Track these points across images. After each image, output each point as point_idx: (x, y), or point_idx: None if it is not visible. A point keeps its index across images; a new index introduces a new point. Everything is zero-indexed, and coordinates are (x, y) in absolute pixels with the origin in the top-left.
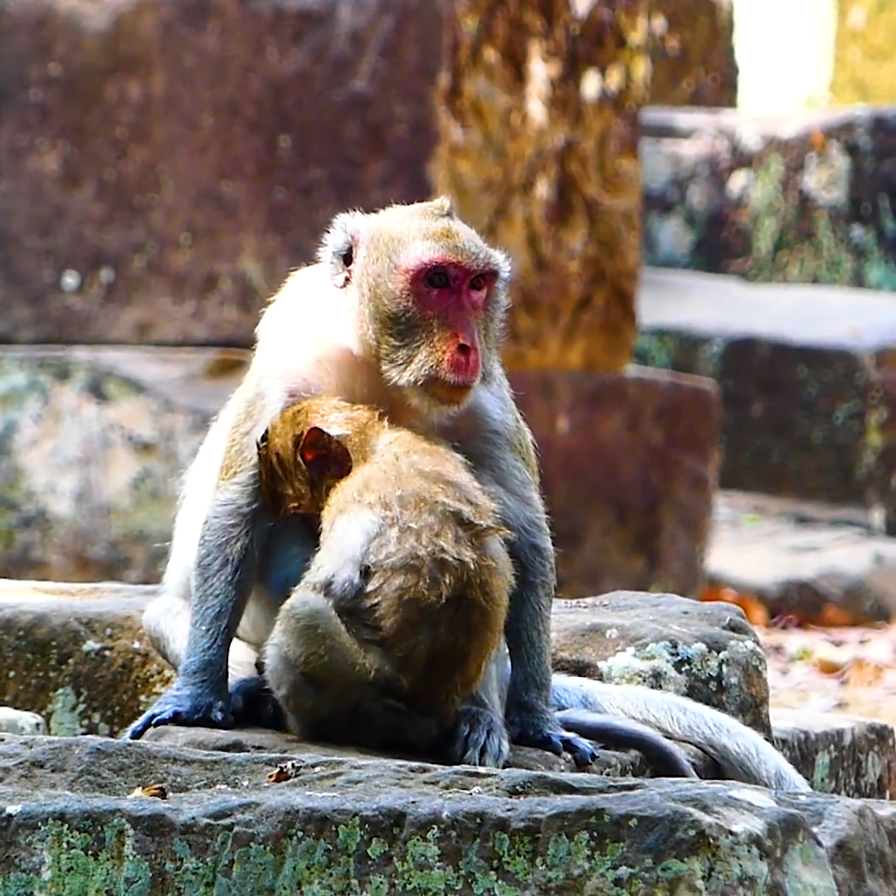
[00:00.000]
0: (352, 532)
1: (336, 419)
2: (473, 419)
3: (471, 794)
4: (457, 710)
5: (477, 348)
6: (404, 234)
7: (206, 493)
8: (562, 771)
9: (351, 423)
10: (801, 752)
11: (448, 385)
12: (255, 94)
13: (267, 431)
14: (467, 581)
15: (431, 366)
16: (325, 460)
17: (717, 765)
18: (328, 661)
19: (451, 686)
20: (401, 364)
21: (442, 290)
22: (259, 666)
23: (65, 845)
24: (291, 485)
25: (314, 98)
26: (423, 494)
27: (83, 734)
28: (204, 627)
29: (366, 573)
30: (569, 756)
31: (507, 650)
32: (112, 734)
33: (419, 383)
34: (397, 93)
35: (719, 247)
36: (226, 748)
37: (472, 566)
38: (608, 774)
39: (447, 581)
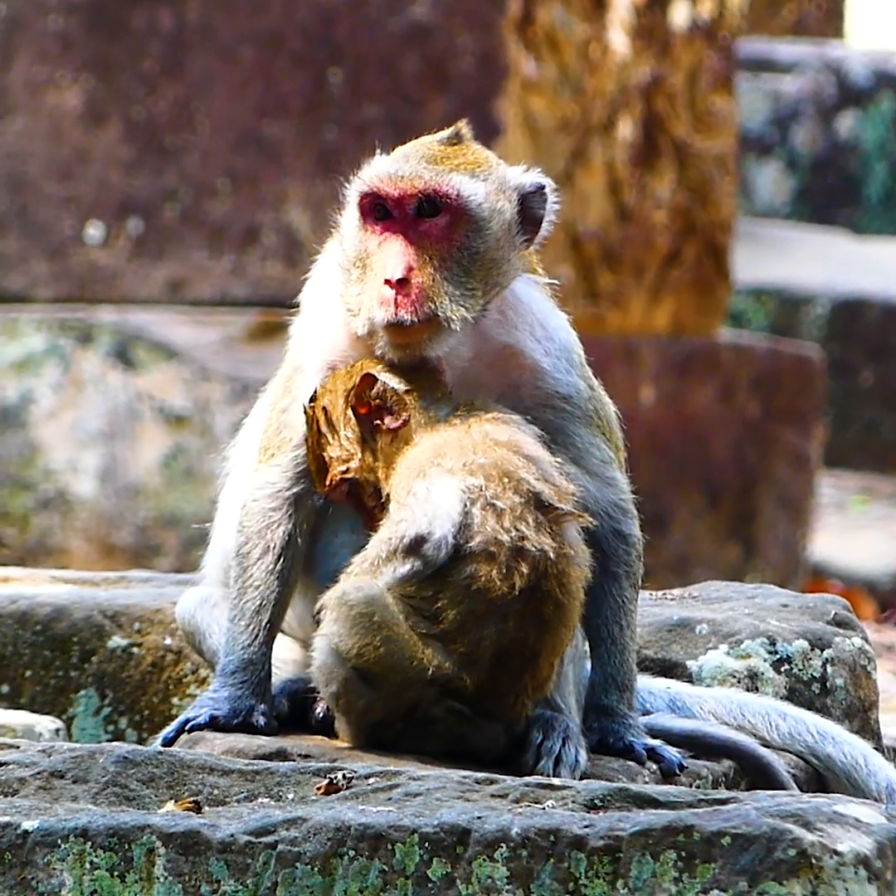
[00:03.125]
0: (442, 491)
1: (391, 376)
2: (534, 382)
3: (543, 808)
4: (528, 715)
5: (412, 281)
6: (364, 169)
7: (249, 474)
8: (646, 783)
9: (410, 382)
10: None
11: (386, 326)
12: (301, 23)
13: (315, 391)
14: (544, 571)
15: (368, 307)
16: (379, 412)
17: (820, 776)
18: (384, 653)
19: (521, 687)
20: (355, 313)
21: (386, 222)
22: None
23: (88, 865)
24: (340, 444)
25: (368, 27)
26: (506, 467)
27: (108, 741)
28: (243, 623)
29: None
30: (654, 766)
31: (587, 649)
32: (141, 741)
33: (369, 330)
34: (462, 21)
35: (825, 195)
36: (268, 757)
37: (551, 555)
38: (698, 787)
39: (523, 571)
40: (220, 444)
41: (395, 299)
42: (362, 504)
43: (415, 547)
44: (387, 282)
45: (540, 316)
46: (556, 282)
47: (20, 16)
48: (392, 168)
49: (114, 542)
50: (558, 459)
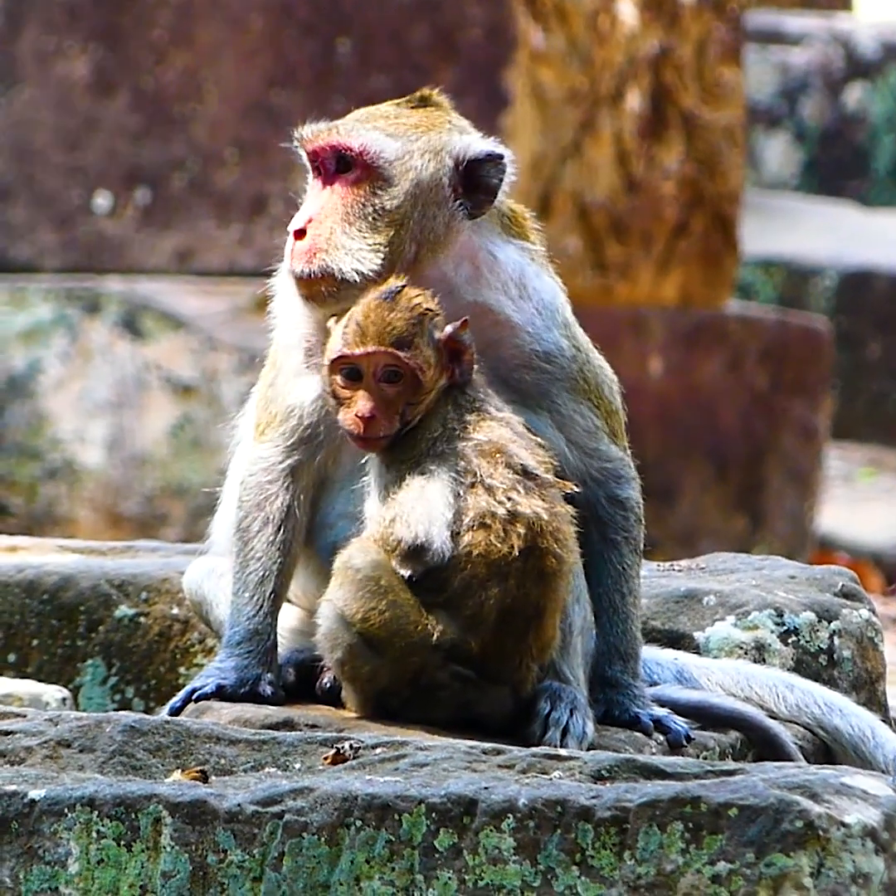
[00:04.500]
0: (434, 492)
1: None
2: (511, 339)
3: (551, 779)
4: (536, 687)
5: (310, 232)
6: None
7: (245, 449)
8: (653, 754)
9: None
10: None
11: (290, 277)
12: None
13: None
14: (539, 530)
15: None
16: (454, 356)
17: (827, 748)
18: (389, 618)
19: (525, 648)
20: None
21: (319, 177)
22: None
23: (94, 835)
24: (424, 348)
25: None
26: (500, 442)
27: (115, 710)
28: (247, 594)
29: None
30: (661, 737)
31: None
32: (147, 710)
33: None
34: None
35: (833, 167)
36: (275, 727)
37: (544, 515)
38: (705, 758)
39: (520, 531)
40: (227, 414)
41: (293, 250)
42: (391, 398)
43: (415, 555)
44: (293, 233)
45: (516, 275)
46: (539, 248)
47: None
48: (319, 125)
49: (121, 511)
50: (542, 427)
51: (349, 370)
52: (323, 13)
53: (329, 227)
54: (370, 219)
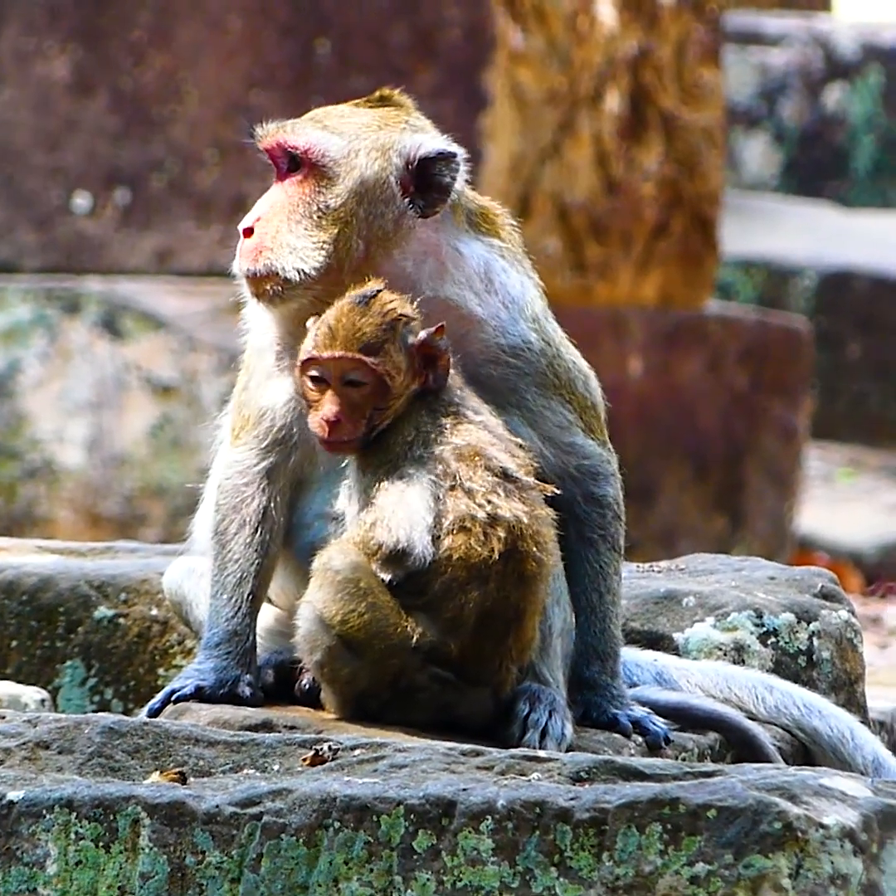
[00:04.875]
0: (414, 496)
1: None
2: (477, 334)
3: (529, 780)
4: (515, 689)
5: (256, 231)
6: None
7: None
8: (631, 755)
9: None
10: None
11: (241, 276)
12: None
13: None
14: (519, 534)
15: None
16: (429, 362)
17: (806, 750)
18: (368, 620)
19: (505, 650)
20: None
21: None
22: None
23: (73, 836)
24: (393, 354)
25: None
26: (478, 446)
27: (94, 712)
28: (225, 596)
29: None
30: (639, 738)
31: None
32: (127, 712)
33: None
34: None
35: (812, 167)
36: (254, 728)
37: (524, 519)
38: (684, 759)
39: (500, 535)
40: (207, 414)
41: (241, 249)
42: (357, 401)
43: (396, 559)
44: (243, 231)
45: (481, 270)
46: (510, 244)
47: None
48: (273, 124)
49: (100, 512)
50: (515, 425)
51: (317, 373)
52: (302, 14)
53: (275, 226)
54: (315, 216)
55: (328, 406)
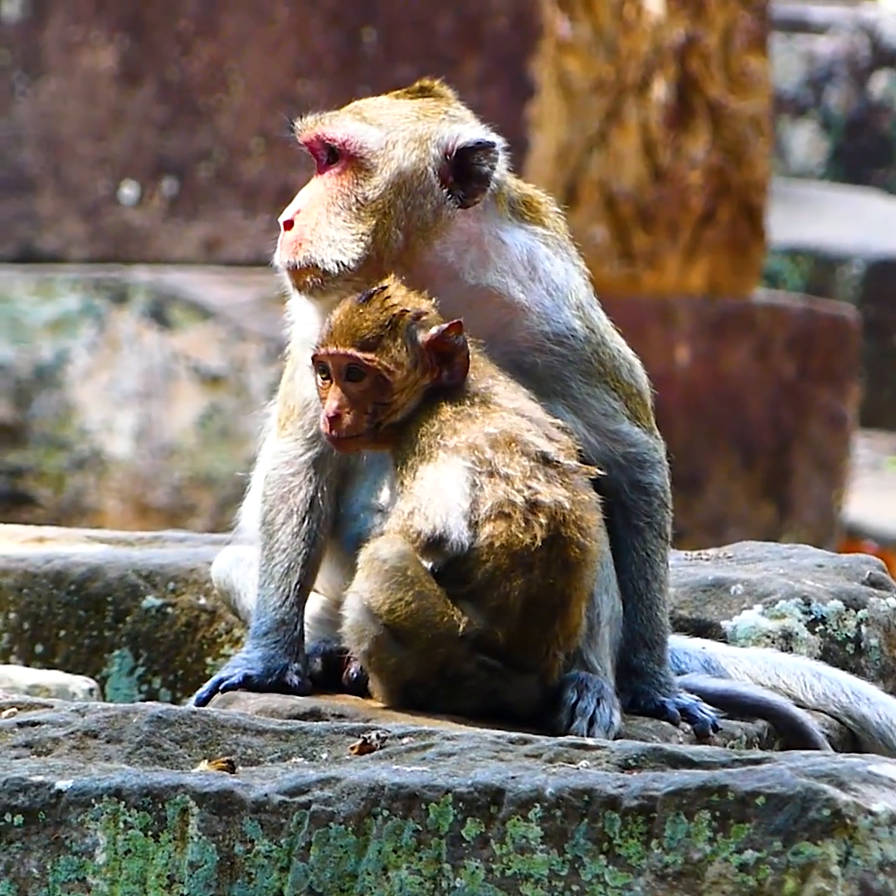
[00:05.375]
0: (449, 483)
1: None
2: (521, 322)
3: (578, 768)
4: (563, 676)
5: (296, 223)
6: None
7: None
8: (680, 743)
9: None
10: None
11: (282, 269)
12: None
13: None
14: (562, 519)
15: None
16: (445, 358)
17: (854, 737)
18: (415, 609)
19: (551, 636)
20: None
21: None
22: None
23: (121, 825)
24: (393, 349)
25: None
26: (513, 432)
27: (142, 701)
28: (273, 585)
29: None
30: (688, 726)
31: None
32: (175, 701)
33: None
34: None
35: (859, 155)
36: (302, 716)
37: (565, 504)
38: (732, 747)
39: (541, 522)
40: (255, 404)
41: (282, 241)
42: (361, 395)
43: (435, 546)
44: (283, 224)
45: (525, 258)
46: (555, 232)
47: None
48: (312, 116)
49: (149, 502)
50: (559, 412)
51: (321, 368)
52: (348, 2)
53: (315, 218)
54: (353, 208)
55: (328, 401)
